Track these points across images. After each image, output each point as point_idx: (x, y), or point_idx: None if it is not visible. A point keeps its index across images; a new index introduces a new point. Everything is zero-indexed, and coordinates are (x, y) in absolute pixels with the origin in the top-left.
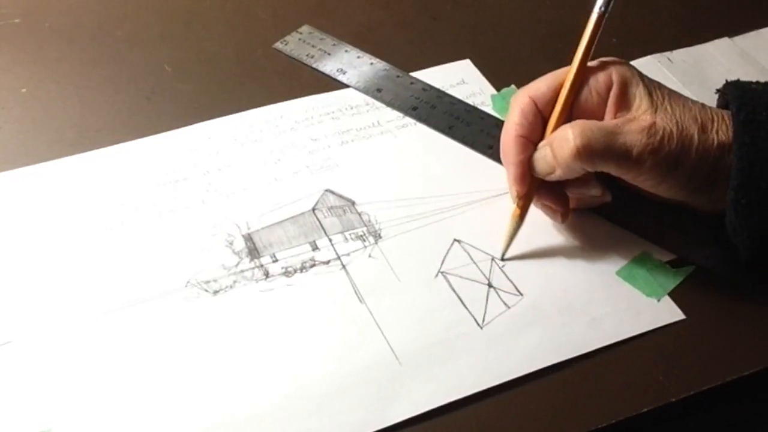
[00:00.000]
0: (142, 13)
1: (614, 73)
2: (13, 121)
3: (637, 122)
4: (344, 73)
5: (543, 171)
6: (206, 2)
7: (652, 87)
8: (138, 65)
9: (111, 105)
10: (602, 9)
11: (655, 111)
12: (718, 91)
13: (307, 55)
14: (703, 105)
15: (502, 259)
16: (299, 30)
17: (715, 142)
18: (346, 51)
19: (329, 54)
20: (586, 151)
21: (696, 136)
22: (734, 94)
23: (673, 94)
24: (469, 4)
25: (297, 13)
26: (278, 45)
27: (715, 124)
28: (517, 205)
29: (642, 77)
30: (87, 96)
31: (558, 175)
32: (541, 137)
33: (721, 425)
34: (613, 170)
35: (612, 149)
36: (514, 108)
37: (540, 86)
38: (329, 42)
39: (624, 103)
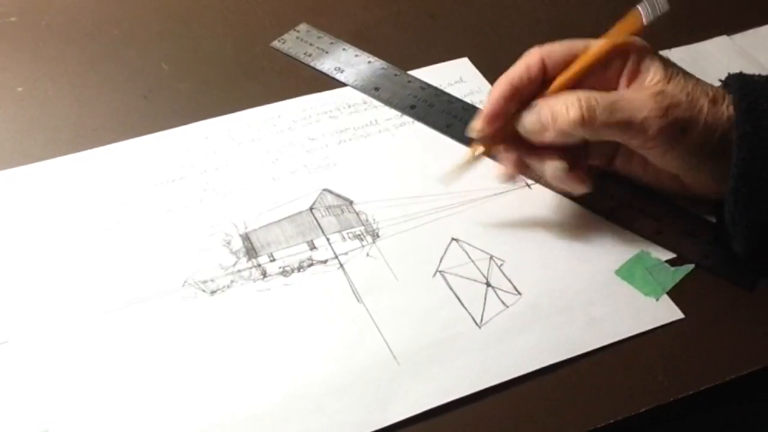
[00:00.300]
0: (139, 12)
1: (631, 47)
2: (9, 120)
3: (647, 89)
4: (342, 72)
5: (533, 130)
6: (204, 1)
7: (668, 62)
8: (135, 64)
9: (108, 104)
10: (648, 14)
11: (668, 81)
12: (721, 81)
13: (305, 54)
14: (714, 86)
15: (444, 182)
16: (297, 28)
17: (725, 115)
18: (343, 49)
19: (327, 52)
20: (591, 119)
21: (706, 107)
22: (737, 84)
23: (687, 72)
24: (467, 3)
25: (295, 12)
26: (276, 43)
27: (726, 100)
28: (474, 146)
29: (657, 53)
30: (84, 95)
31: (549, 137)
32: (533, 98)
33: (720, 425)
34: (618, 137)
35: (615, 116)
36: (520, 61)
37: (554, 49)
38: (327, 40)
39: (638, 75)
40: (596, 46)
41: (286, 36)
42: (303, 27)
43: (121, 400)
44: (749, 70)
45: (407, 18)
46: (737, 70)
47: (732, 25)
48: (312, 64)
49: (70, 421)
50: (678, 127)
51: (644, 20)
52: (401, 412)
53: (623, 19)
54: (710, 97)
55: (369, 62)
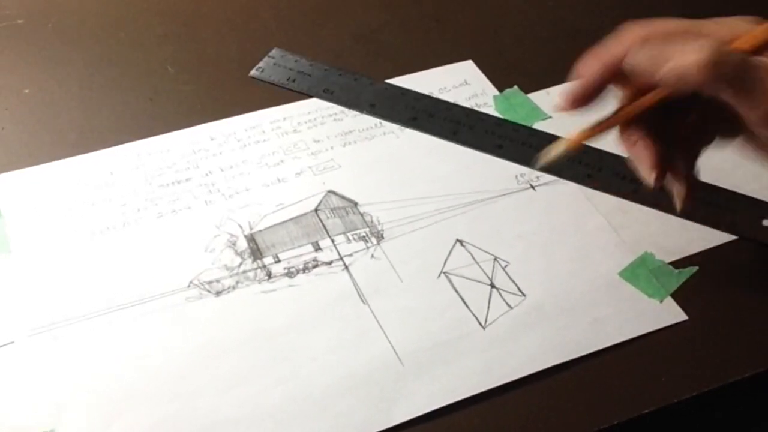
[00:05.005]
0: (144, 15)
1: None
2: (16, 122)
3: None
4: (332, 93)
5: (641, 65)
6: (209, 3)
7: None
8: (141, 66)
9: (114, 106)
10: None
11: None
12: None
13: (288, 79)
14: None
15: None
16: (270, 54)
17: None
18: (325, 70)
19: (309, 75)
20: (716, 65)
21: None
22: None
23: None
24: (471, 6)
25: (299, 14)
26: (254, 72)
27: None
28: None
29: None
30: (90, 97)
31: (657, 77)
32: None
33: (723, 426)
34: (737, 101)
35: (749, 74)
36: (618, 39)
37: (655, 31)
38: (305, 63)
39: None
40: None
41: (261, 64)
42: (276, 52)
43: (127, 399)
44: None
45: (412, 21)
46: None
47: None
48: (297, 88)
49: (75, 421)
50: None
51: None
52: (406, 412)
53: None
54: None
55: (355, 80)
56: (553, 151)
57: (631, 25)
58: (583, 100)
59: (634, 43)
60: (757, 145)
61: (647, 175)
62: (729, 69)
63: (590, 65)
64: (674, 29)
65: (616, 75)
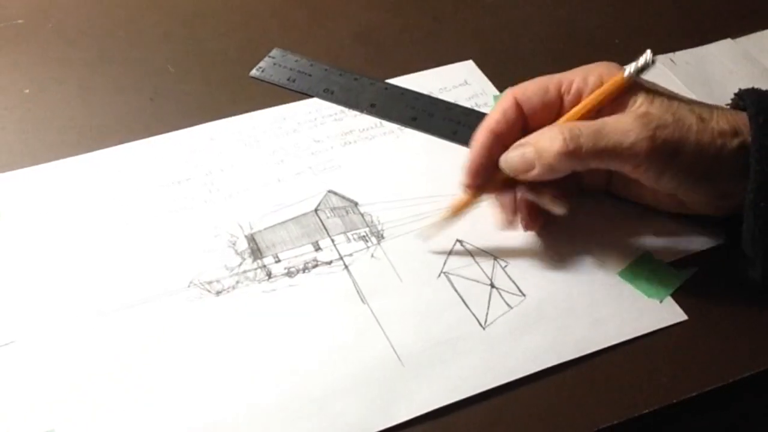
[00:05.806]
0: (144, 14)
1: (608, 79)
2: (15, 122)
3: (631, 113)
4: (332, 93)
5: (518, 167)
6: (209, 3)
7: (649, 86)
8: (141, 66)
9: (114, 106)
10: (631, 73)
11: (651, 103)
12: (735, 94)
13: (288, 79)
14: (701, 102)
15: (423, 239)
16: (271, 54)
17: (716, 130)
18: (325, 70)
19: (309, 75)
20: (576, 149)
21: (694, 125)
22: (751, 98)
23: (671, 93)
24: (471, 5)
25: (299, 14)
26: (254, 72)
27: (715, 116)
28: (465, 196)
29: (640, 82)
30: (90, 97)
31: (535, 174)
32: (516, 140)
33: (724, 426)
34: (607, 164)
35: (602, 143)
36: (497, 105)
37: (527, 88)
38: (305, 63)
39: (620, 106)
40: (583, 104)
41: (262, 63)
42: (276, 52)
43: (127, 399)
44: (753, 73)
45: (412, 21)
46: (741, 74)
47: (736, 29)
48: (297, 88)
49: (75, 421)
50: (668, 148)
51: (627, 79)
52: (405, 412)
53: (609, 81)
54: (697, 115)
55: (355, 79)
56: (438, 223)
57: (508, 90)
58: (481, 172)
59: (510, 105)
60: (629, 186)
61: (499, 223)
62: (584, 149)
63: (477, 138)
64: (543, 86)
65: (502, 140)
